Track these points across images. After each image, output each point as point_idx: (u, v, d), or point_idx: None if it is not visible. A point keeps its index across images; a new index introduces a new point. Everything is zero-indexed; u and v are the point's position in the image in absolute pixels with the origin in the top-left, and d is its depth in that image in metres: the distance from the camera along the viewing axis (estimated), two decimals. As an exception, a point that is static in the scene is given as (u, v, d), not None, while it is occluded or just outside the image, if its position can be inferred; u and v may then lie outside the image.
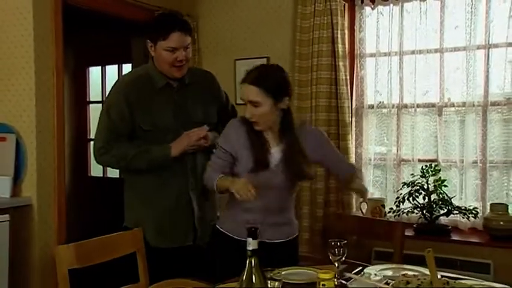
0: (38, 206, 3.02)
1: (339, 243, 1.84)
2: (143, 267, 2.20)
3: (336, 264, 1.84)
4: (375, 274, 1.89)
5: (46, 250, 3.04)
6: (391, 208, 3.32)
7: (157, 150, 2.27)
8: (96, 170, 5.04)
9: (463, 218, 3.19)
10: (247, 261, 1.41)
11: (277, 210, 2.18)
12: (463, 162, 3.26)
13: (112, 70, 4.89)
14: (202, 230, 2.37)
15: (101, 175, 4.98)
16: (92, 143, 4.97)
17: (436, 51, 3.36)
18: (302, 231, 3.50)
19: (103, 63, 4.93)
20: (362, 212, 3.45)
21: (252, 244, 1.40)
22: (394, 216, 3.29)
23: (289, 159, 2.09)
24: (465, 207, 3.16)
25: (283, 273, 1.84)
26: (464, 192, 3.27)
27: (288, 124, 2.10)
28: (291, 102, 2.11)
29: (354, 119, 3.62)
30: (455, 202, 3.22)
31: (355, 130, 3.64)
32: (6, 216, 2.87)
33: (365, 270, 1.95)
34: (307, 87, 3.52)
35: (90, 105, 5.06)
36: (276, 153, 2.12)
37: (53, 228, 3.10)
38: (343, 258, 1.85)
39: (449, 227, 3.23)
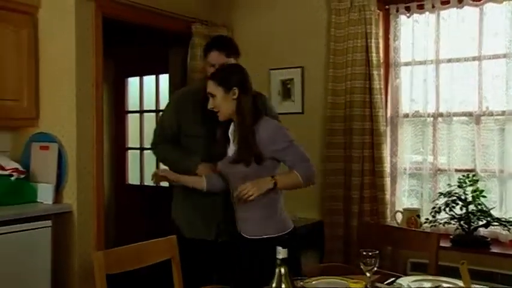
0: (78, 212, 3.12)
1: (370, 253, 1.83)
2: (178, 274, 2.25)
3: (368, 275, 1.83)
4: (408, 285, 1.86)
5: (85, 256, 3.13)
6: (427, 218, 3.26)
7: (186, 164, 2.52)
8: (133, 178, 5.16)
9: (504, 229, 3.09)
10: (277, 270, 1.42)
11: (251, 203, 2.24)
12: (503, 172, 3.18)
13: (150, 80, 5.00)
14: (224, 229, 2.55)
15: (138, 183, 5.10)
16: (129, 151, 5.15)
17: (474, 59, 3.30)
18: (336, 241, 3.50)
19: (141, 74, 5.06)
20: (397, 222, 3.41)
21: (281, 253, 1.42)
22: (430, 226, 3.23)
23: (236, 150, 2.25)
24: (505, 219, 3.07)
25: (313, 282, 1.85)
26: (505, 203, 3.17)
27: (239, 114, 2.24)
28: (245, 95, 2.25)
29: (388, 128, 3.59)
30: (495, 213, 3.13)
31: (390, 139, 3.60)
32: (49, 222, 2.98)
33: (397, 281, 1.93)
34: (341, 96, 3.52)
35: (129, 114, 5.20)
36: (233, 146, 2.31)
37: (92, 234, 3.20)
38: (375, 269, 1.84)
39: (489, 239, 3.14)
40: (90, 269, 3.08)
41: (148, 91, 5.01)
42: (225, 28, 4.05)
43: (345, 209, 3.46)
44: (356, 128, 3.44)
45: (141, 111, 5.06)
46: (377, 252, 1.84)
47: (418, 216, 3.32)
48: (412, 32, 3.48)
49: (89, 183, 3.19)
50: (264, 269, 2.00)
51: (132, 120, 5.15)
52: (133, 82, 5.18)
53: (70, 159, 3.13)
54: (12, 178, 3.05)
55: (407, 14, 3.49)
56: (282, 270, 1.42)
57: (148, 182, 4.96)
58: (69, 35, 3.11)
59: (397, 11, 3.53)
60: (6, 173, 3.05)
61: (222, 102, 2.25)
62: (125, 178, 5.22)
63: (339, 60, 3.53)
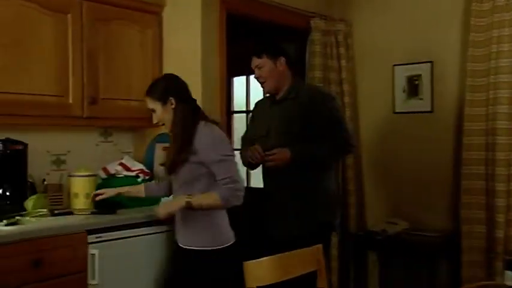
0: (202, 215, 3.02)
1: None
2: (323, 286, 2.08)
3: None
4: None
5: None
6: None
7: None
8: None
9: None
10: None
11: (188, 213, 2.27)
12: None
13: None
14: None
15: (245, 184, 4.98)
16: (236, 152, 5.05)
17: None
18: (476, 253, 3.17)
19: (248, 73, 4.94)
20: (550, 234, 3.02)
21: (510, 278, 1.17)
22: None
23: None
24: None
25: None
26: None
27: (174, 122, 2.30)
28: (182, 102, 2.32)
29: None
30: None
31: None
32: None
33: None
34: (482, 92, 3.18)
35: (234, 114, 5.11)
36: None
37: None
38: None
39: None
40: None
41: (255, 90, 4.88)
42: (343, 23, 3.83)
43: (488, 217, 3.11)
44: (501, 127, 3.09)
45: (247, 112, 4.95)
46: None
47: None
48: None
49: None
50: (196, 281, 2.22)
51: (238, 120, 5.05)
52: (238, 81, 5.09)
53: (194, 160, 3.04)
54: (139, 179, 3.00)
55: None
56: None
57: (255, 183, 4.84)
58: (195, 33, 3.02)
59: (553, -8, 3.12)
60: (133, 174, 3.01)
61: (163, 114, 2.31)
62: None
63: (479, 53, 3.19)
